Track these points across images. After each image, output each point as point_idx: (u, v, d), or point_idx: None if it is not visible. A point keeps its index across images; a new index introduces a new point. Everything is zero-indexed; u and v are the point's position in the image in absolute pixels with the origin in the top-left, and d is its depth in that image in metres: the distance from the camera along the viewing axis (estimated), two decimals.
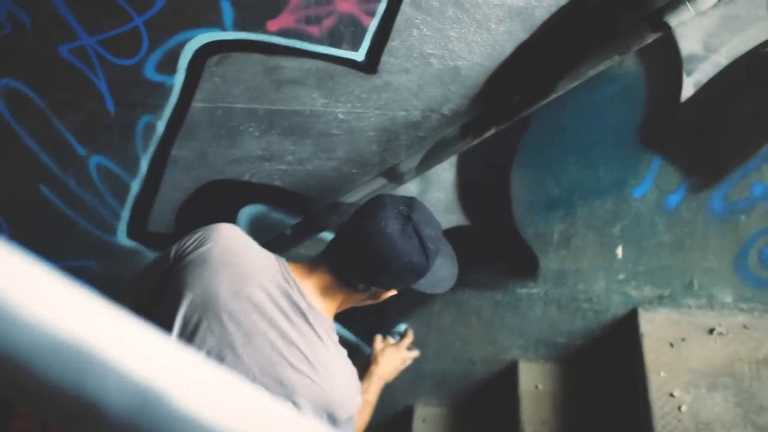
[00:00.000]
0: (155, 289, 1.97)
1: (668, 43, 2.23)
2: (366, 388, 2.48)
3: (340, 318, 2.14)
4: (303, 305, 1.90)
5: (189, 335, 1.84)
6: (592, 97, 2.45)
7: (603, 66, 2.24)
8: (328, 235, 2.72)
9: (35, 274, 0.36)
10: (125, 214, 2.76)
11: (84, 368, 0.36)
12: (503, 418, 3.17)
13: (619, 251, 2.83)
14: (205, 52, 2.37)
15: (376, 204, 1.96)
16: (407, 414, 3.50)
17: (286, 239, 2.65)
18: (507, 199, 2.72)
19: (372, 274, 1.93)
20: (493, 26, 2.28)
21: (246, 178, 2.65)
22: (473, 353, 3.26)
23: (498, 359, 3.25)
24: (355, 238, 1.91)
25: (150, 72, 2.42)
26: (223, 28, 2.32)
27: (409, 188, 2.64)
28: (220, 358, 1.85)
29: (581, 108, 2.49)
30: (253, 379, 1.84)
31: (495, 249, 2.89)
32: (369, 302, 2.06)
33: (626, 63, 2.38)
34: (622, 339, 3.03)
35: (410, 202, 1.98)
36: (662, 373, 2.76)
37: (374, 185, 2.51)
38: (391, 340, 2.79)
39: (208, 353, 1.86)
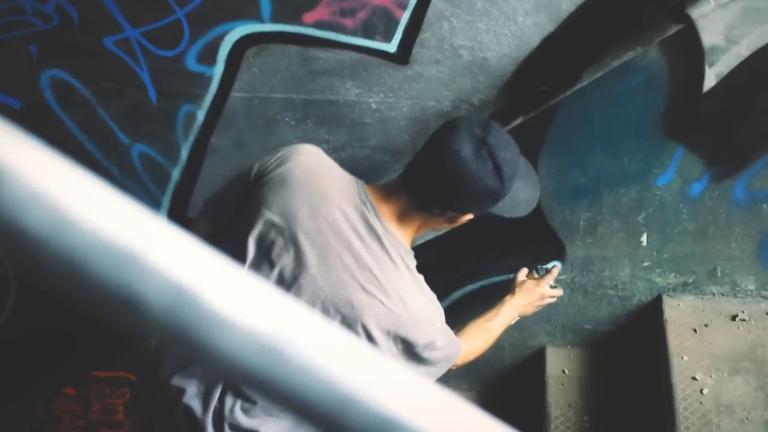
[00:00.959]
0: (236, 208, 1.97)
1: (690, 35, 2.28)
2: (491, 315, 2.45)
3: None
4: (379, 229, 1.87)
5: (264, 252, 1.84)
6: (616, 88, 2.50)
7: (626, 57, 2.30)
8: None
9: (95, 189, 0.45)
10: (166, 201, 2.82)
11: (131, 269, 0.42)
12: (531, 401, 3.22)
13: (644, 239, 2.86)
14: (243, 43, 2.44)
15: (451, 126, 1.88)
16: None
17: None
18: None
19: (447, 198, 1.87)
20: (520, 18, 2.34)
21: None
22: (502, 339, 3.26)
23: (526, 345, 3.28)
24: (429, 161, 1.86)
25: (191, 63, 2.49)
26: (261, 21, 2.39)
27: None
28: (294, 277, 1.84)
29: (606, 99, 2.53)
30: (324, 299, 1.83)
31: (523, 236, 2.92)
32: (446, 226, 2.03)
33: (649, 54, 2.42)
34: (646, 325, 3.06)
35: (486, 124, 1.88)
36: (685, 357, 2.80)
37: None
38: (535, 275, 2.71)
39: (282, 271, 1.85)
